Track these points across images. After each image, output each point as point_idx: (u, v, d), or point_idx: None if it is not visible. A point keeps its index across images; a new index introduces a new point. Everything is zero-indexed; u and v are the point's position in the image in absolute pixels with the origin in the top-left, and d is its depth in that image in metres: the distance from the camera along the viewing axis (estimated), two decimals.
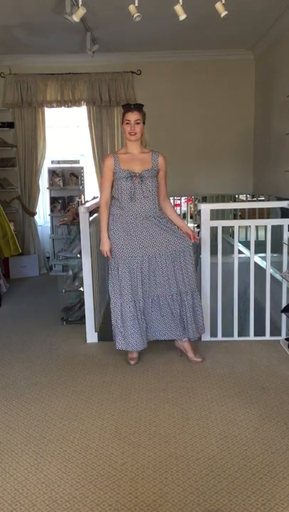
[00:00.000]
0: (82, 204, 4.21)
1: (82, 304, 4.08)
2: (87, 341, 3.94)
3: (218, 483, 2.13)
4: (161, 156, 3.40)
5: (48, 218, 6.87)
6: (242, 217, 6.77)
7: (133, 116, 3.27)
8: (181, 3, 3.91)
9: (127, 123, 3.29)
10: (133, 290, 3.38)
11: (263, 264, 4.52)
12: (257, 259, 4.63)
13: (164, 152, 3.48)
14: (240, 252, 4.72)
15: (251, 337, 3.91)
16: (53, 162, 6.67)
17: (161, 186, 3.45)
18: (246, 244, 5.38)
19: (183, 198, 7.36)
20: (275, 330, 3.94)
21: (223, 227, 4.05)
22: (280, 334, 3.88)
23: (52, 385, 3.19)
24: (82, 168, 6.60)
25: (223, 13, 3.99)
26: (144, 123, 3.33)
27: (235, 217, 6.69)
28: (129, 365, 3.46)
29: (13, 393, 3.08)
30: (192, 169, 6.85)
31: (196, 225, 7.36)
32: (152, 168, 3.34)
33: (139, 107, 3.31)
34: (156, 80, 6.60)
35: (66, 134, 7.25)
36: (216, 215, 6.33)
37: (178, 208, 7.23)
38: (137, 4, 3.89)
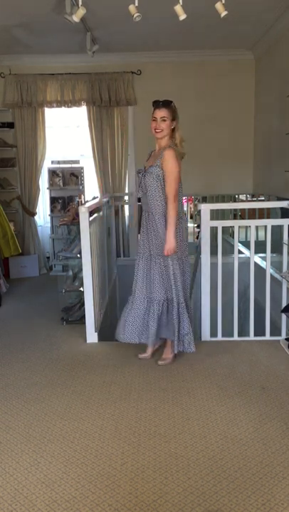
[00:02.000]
0: (82, 204, 4.21)
1: (82, 304, 4.08)
2: (87, 341, 3.93)
3: (218, 483, 2.13)
4: (166, 151, 3.21)
5: (48, 218, 6.87)
6: (242, 218, 6.77)
7: (159, 113, 3.21)
8: (181, 3, 3.91)
9: (154, 120, 3.24)
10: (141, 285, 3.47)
11: (263, 264, 4.52)
12: (257, 259, 4.63)
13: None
14: (240, 252, 4.72)
15: (251, 337, 3.91)
16: (53, 162, 6.68)
17: (165, 185, 3.25)
18: (246, 244, 5.38)
19: (183, 198, 7.35)
20: (275, 330, 3.94)
21: (223, 227, 4.05)
22: (280, 334, 3.88)
23: (52, 385, 3.19)
24: (82, 168, 6.60)
25: (223, 13, 3.99)
26: (174, 119, 3.24)
27: (235, 218, 6.69)
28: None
29: (13, 393, 3.08)
30: (192, 169, 6.82)
31: (196, 225, 7.38)
32: (155, 165, 3.26)
33: (166, 104, 3.22)
34: (156, 79, 6.59)
35: (66, 134, 7.25)
36: (216, 215, 6.33)
37: None
38: (137, 4, 3.89)
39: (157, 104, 3.24)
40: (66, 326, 4.41)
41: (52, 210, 6.51)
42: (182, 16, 3.98)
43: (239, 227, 4.56)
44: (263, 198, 6.40)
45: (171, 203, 3.23)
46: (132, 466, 2.27)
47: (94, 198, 4.90)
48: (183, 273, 3.41)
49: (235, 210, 6.71)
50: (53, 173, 6.48)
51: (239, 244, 4.65)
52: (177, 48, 6.39)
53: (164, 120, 3.21)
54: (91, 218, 3.93)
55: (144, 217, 3.42)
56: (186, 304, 3.44)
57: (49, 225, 6.88)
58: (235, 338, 3.93)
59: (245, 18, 5.17)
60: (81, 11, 4.20)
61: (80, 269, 4.14)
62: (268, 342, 3.83)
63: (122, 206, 6.85)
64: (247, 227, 5.96)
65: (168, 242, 3.22)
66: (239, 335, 3.98)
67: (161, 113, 3.21)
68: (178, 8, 3.94)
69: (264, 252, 3.95)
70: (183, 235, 3.42)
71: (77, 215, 4.06)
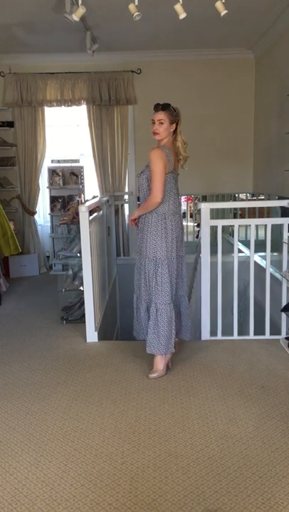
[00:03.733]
0: (82, 203, 4.20)
1: (82, 303, 4.08)
2: (87, 341, 3.93)
3: (217, 482, 2.14)
4: (151, 151, 3.20)
5: (48, 217, 6.87)
6: (242, 217, 6.77)
7: (157, 116, 3.23)
8: (181, 2, 3.91)
9: (153, 122, 3.27)
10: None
11: (262, 263, 4.52)
12: (257, 258, 4.63)
13: None
14: (240, 251, 4.73)
15: (251, 336, 3.91)
16: (52, 161, 6.67)
17: (150, 183, 3.21)
18: (246, 243, 5.39)
19: (183, 197, 7.36)
20: (275, 329, 3.94)
21: (223, 226, 4.05)
22: (279, 333, 3.88)
23: (52, 384, 3.19)
24: (82, 167, 6.60)
25: (223, 12, 3.99)
26: (174, 122, 3.23)
27: (235, 217, 6.69)
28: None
29: (13, 392, 3.09)
30: (192, 168, 6.78)
31: (196, 224, 7.38)
32: (146, 165, 3.28)
33: (165, 107, 3.22)
34: (156, 79, 6.59)
35: (66, 133, 7.24)
36: (216, 214, 6.35)
37: None
38: (136, 3, 3.89)
39: (156, 107, 3.27)
40: (66, 325, 4.41)
41: (52, 209, 6.51)
42: (182, 15, 3.98)
43: (239, 226, 4.56)
44: (263, 197, 6.40)
45: (150, 199, 3.18)
46: (131, 465, 2.28)
47: (94, 197, 4.90)
48: (170, 273, 3.27)
49: (235, 209, 6.71)
50: (52, 172, 6.48)
51: (239, 244, 4.66)
52: (177, 47, 6.38)
53: (162, 123, 3.22)
54: (91, 217, 3.93)
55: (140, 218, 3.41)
56: (168, 305, 3.27)
57: (49, 224, 6.88)
58: (235, 337, 3.94)
59: (245, 17, 5.17)
60: (81, 10, 4.20)
61: (80, 268, 4.14)
62: (268, 341, 3.83)
63: (122, 205, 6.85)
64: (247, 226, 5.96)
65: (131, 215, 3.27)
66: (239, 334, 3.98)
67: (159, 116, 3.23)
68: (178, 7, 3.94)
69: (264, 251, 3.95)
70: (173, 233, 3.28)
71: (77, 214, 4.06)
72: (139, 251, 3.37)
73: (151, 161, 3.18)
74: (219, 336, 3.92)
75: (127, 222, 6.97)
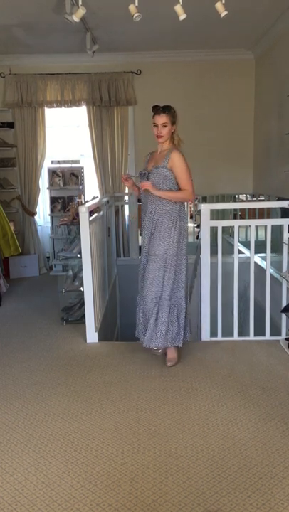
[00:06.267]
0: (82, 204, 4.20)
1: (82, 304, 4.08)
2: (88, 341, 3.93)
3: (218, 483, 2.13)
4: (174, 153, 3.32)
5: (48, 218, 6.86)
6: (242, 217, 6.77)
7: (160, 120, 3.29)
8: (181, 3, 3.91)
9: (155, 126, 3.33)
10: (140, 285, 3.50)
11: (262, 264, 4.52)
12: (257, 259, 4.63)
13: None
14: (240, 252, 4.72)
15: (251, 337, 3.91)
16: (53, 162, 6.67)
17: (179, 182, 3.36)
18: (246, 244, 5.38)
19: None
20: (275, 330, 3.93)
21: (223, 227, 4.05)
22: (279, 334, 3.88)
23: (52, 384, 3.19)
24: (82, 168, 6.59)
25: (223, 13, 3.99)
26: (174, 123, 3.33)
27: (235, 217, 6.69)
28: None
29: (13, 393, 3.08)
30: (192, 168, 6.81)
31: (196, 225, 7.38)
32: (162, 166, 3.33)
33: (166, 110, 3.29)
34: (156, 79, 6.60)
35: (66, 133, 7.25)
36: (216, 215, 6.34)
37: None
38: (136, 4, 3.89)
39: (157, 110, 3.31)
40: (66, 325, 4.41)
41: (52, 210, 6.51)
42: (182, 16, 3.98)
43: (239, 227, 4.56)
44: (263, 198, 6.40)
45: (187, 196, 3.39)
46: (132, 466, 2.28)
47: (94, 198, 4.90)
48: (180, 271, 3.42)
49: (235, 209, 6.71)
50: (53, 173, 6.47)
51: (239, 244, 4.66)
52: (177, 48, 6.39)
53: (165, 126, 3.31)
54: (91, 218, 3.93)
55: (147, 218, 3.42)
56: (185, 299, 3.48)
57: (49, 224, 6.88)
58: (235, 338, 3.93)
59: (245, 18, 5.17)
60: (81, 11, 4.20)
61: (80, 269, 4.14)
62: (268, 342, 3.83)
63: (122, 206, 6.85)
64: (247, 227, 5.96)
65: (154, 189, 3.27)
66: (239, 335, 3.98)
67: (162, 119, 3.29)
68: (178, 8, 3.95)
69: (264, 251, 3.95)
70: (186, 232, 3.50)
71: (77, 214, 4.06)
72: (152, 251, 3.38)
73: (180, 163, 3.32)
74: (219, 337, 3.92)
75: (127, 222, 6.97)
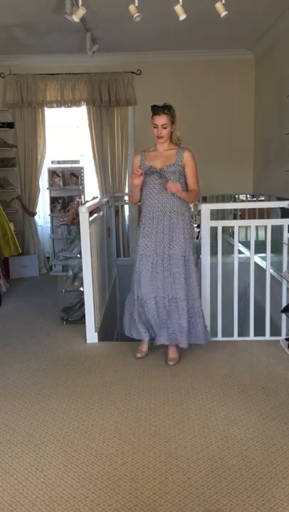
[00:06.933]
0: (82, 204, 4.21)
1: (82, 304, 4.08)
2: (88, 341, 3.93)
3: (218, 483, 2.13)
4: (187, 152, 3.39)
5: (48, 218, 6.87)
6: (242, 218, 6.76)
7: (160, 121, 3.30)
8: (181, 3, 3.91)
9: (155, 127, 3.33)
10: (152, 286, 3.42)
11: (262, 264, 4.51)
12: (257, 259, 4.63)
13: None
14: (240, 252, 4.72)
15: (251, 337, 3.91)
16: (52, 162, 6.67)
17: (189, 181, 3.41)
18: (246, 244, 5.38)
19: None
20: (275, 330, 3.94)
21: (223, 227, 4.05)
22: (280, 334, 3.88)
23: (52, 385, 3.19)
24: (82, 168, 6.59)
25: (223, 13, 3.99)
26: (173, 122, 3.35)
27: (235, 218, 6.68)
28: (135, 358, 3.55)
29: (13, 393, 3.08)
30: None
31: (196, 225, 7.38)
32: (175, 163, 3.35)
33: (166, 111, 3.28)
34: (156, 80, 6.60)
35: (66, 134, 7.25)
36: (216, 215, 6.33)
37: None
38: (136, 4, 3.90)
39: (157, 111, 3.30)
40: (66, 325, 4.41)
41: (52, 210, 6.51)
42: (182, 16, 3.98)
43: (239, 227, 4.56)
44: (263, 198, 6.40)
45: (198, 194, 3.51)
46: (131, 466, 2.28)
47: (94, 198, 4.90)
48: (195, 271, 3.50)
49: (235, 210, 6.70)
50: (53, 173, 6.47)
51: (239, 244, 4.65)
52: (177, 48, 6.39)
53: (165, 127, 3.32)
54: (91, 218, 3.93)
55: (160, 217, 3.38)
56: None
57: (49, 225, 6.88)
58: (235, 338, 3.93)
59: (245, 18, 5.17)
60: (81, 11, 4.20)
61: (80, 269, 4.14)
62: (268, 342, 3.83)
63: (122, 206, 6.85)
64: (247, 227, 5.95)
65: (180, 190, 3.30)
66: (239, 335, 3.98)
67: (162, 120, 3.30)
68: (178, 8, 3.95)
69: (264, 252, 3.95)
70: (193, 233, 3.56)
71: (77, 215, 4.06)
72: (173, 251, 3.37)
73: (193, 163, 3.42)
74: (219, 337, 3.92)
75: (127, 222, 6.97)
